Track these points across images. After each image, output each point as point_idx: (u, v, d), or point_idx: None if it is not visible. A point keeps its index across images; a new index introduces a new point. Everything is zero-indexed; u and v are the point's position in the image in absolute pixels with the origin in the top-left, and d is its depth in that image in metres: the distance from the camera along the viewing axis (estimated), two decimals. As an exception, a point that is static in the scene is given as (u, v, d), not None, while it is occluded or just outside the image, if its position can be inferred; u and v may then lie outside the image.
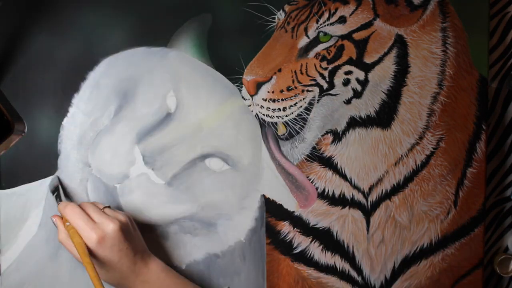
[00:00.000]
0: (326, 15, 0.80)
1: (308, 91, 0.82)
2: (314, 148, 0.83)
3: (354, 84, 0.82)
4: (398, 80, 0.82)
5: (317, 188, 0.84)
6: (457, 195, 0.84)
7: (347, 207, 0.84)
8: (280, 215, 0.84)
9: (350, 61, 0.81)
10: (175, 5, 0.82)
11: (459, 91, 0.82)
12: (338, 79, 0.81)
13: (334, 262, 0.85)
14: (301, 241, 0.85)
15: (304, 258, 0.85)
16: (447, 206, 0.84)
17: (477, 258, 0.85)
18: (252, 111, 0.82)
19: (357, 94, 0.82)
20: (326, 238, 0.84)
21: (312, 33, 0.81)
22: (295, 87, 0.82)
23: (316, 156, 0.83)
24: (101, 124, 0.82)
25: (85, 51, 0.82)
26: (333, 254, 0.85)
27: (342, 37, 0.81)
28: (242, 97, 0.83)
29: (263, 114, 0.82)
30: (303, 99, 0.82)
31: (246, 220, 0.84)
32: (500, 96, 0.86)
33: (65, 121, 0.83)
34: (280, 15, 0.81)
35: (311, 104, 0.82)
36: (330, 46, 0.81)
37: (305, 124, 0.83)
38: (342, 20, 0.81)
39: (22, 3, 0.81)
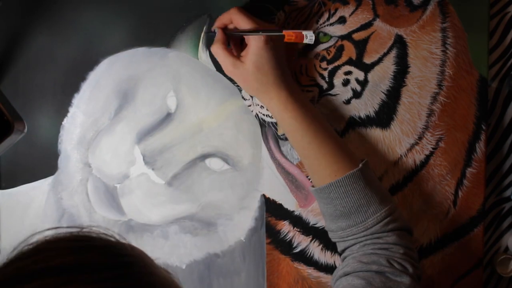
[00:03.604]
0: (326, 15, 0.80)
1: (307, 91, 0.82)
2: (314, 148, 0.83)
3: (353, 84, 0.81)
4: (397, 81, 0.81)
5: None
6: (456, 195, 0.84)
7: (347, 207, 0.84)
8: (280, 214, 0.84)
9: (349, 62, 0.81)
10: (175, 6, 0.82)
11: (459, 91, 0.82)
12: (338, 79, 0.81)
13: (334, 262, 0.85)
14: (301, 241, 0.85)
15: (304, 257, 0.85)
16: (447, 206, 0.84)
17: (477, 258, 0.85)
18: (252, 111, 0.83)
19: (357, 94, 0.82)
20: (326, 237, 0.84)
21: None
22: (295, 87, 0.81)
23: (316, 156, 0.83)
24: (101, 124, 0.83)
25: (85, 51, 0.82)
26: (332, 253, 0.85)
27: (342, 37, 0.81)
28: (242, 97, 0.83)
29: (263, 114, 0.82)
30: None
31: (246, 220, 0.84)
32: (500, 96, 0.86)
33: (65, 121, 0.83)
34: (280, 16, 0.81)
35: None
36: (330, 47, 0.81)
37: (305, 124, 0.83)
38: (342, 20, 0.80)
39: (22, 3, 0.81)
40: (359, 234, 0.72)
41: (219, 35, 0.76)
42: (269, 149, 0.83)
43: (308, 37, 0.73)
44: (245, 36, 0.75)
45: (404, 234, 0.73)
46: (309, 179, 0.83)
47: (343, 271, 0.71)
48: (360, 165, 0.73)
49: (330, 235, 0.77)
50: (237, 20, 0.75)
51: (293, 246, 0.85)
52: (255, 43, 0.73)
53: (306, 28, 0.80)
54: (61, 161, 0.83)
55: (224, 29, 0.77)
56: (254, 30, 0.74)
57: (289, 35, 0.73)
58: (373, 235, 0.72)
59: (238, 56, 0.75)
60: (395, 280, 0.68)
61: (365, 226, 0.72)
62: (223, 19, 0.77)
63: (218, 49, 0.75)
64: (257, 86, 0.75)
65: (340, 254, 0.76)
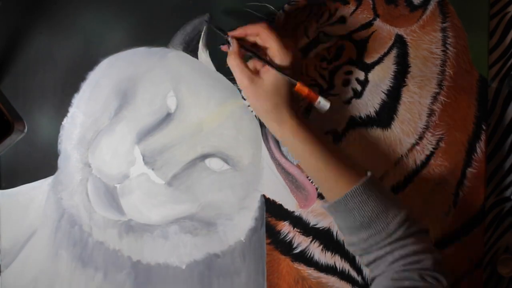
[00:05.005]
0: (326, 15, 0.80)
1: (308, 91, 0.81)
2: (314, 148, 0.83)
3: (354, 84, 0.82)
4: (398, 80, 0.82)
5: (316, 188, 0.84)
6: (456, 195, 0.84)
7: (347, 207, 0.84)
8: (280, 215, 0.84)
9: (350, 61, 0.81)
10: (175, 5, 0.82)
11: (459, 91, 0.82)
12: (338, 79, 0.81)
13: (334, 262, 0.85)
14: (301, 241, 0.85)
15: (304, 258, 0.85)
16: (447, 206, 0.84)
17: (477, 258, 0.85)
18: (252, 111, 0.83)
19: (357, 94, 0.82)
20: (326, 238, 0.84)
21: (312, 34, 0.81)
22: (295, 87, 0.81)
23: (316, 156, 0.83)
24: (101, 124, 0.83)
25: (85, 51, 0.82)
26: (333, 254, 0.85)
27: (342, 37, 0.81)
28: (242, 97, 0.83)
29: (263, 114, 0.82)
30: (303, 99, 0.82)
31: (246, 220, 0.84)
32: (500, 96, 0.86)
33: (65, 121, 0.83)
34: (280, 15, 0.81)
35: (311, 104, 0.82)
36: (330, 47, 0.81)
37: (305, 124, 0.82)
38: (342, 20, 0.80)
39: (22, 3, 0.82)
40: (383, 242, 0.69)
41: (234, 46, 0.72)
42: (269, 149, 0.83)
43: (321, 102, 0.69)
44: (267, 51, 0.72)
45: (424, 237, 0.71)
46: (311, 181, 0.83)
47: None
48: (369, 173, 0.72)
49: (352, 249, 0.74)
50: (266, 37, 0.71)
51: (293, 247, 0.85)
52: (281, 62, 0.70)
53: (306, 28, 0.80)
54: (61, 161, 0.83)
55: (239, 40, 0.73)
56: (270, 62, 0.71)
57: (302, 89, 0.69)
58: (398, 242, 0.69)
59: (254, 71, 0.72)
60: None
61: (387, 232, 0.69)
62: (248, 30, 0.73)
63: (234, 61, 0.72)
64: (269, 107, 0.72)
65: (367, 265, 0.73)
